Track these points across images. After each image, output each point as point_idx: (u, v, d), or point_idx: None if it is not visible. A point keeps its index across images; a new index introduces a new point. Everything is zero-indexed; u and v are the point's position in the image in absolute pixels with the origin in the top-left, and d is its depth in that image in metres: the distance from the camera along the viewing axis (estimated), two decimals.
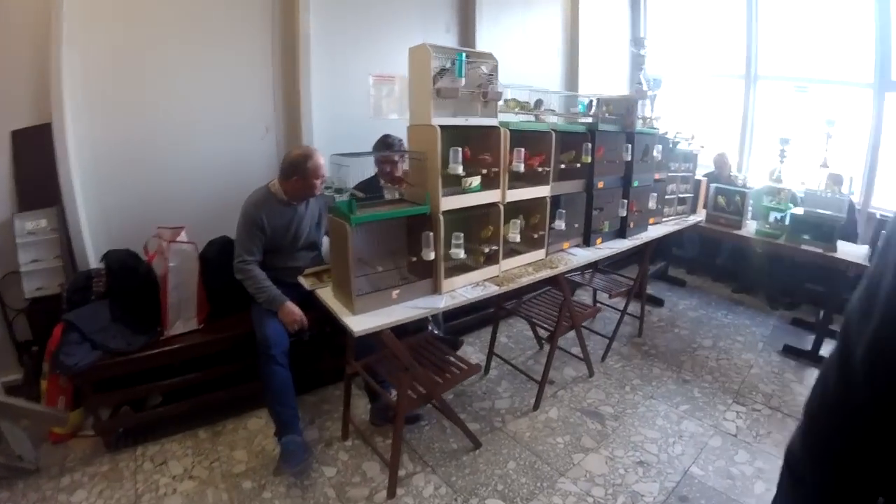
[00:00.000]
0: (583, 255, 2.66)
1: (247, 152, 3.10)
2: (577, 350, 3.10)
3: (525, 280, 2.26)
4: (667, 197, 3.50)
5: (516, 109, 2.39)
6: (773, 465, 2.36)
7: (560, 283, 2.63)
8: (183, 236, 2.53)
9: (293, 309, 2.33)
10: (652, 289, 4.20)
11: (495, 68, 2.09)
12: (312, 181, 2.39)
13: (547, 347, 3.35)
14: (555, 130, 2.39)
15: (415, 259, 2.02)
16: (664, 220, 3.51)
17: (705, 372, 3.19)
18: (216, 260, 2.63)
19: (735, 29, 4.97)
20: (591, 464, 2.35)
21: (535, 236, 2.46)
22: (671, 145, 3.46)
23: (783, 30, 4.72)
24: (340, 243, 1.86)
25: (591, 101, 2.76)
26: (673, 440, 2.53)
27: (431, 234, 1.92)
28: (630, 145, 2.83)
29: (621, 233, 3.01)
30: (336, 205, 1.87)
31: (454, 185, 2.07)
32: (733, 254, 4.53)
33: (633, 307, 3.54)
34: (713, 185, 3.91)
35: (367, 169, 2.94)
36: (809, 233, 3.30)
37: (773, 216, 3.53)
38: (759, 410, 2.79)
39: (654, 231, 3.26)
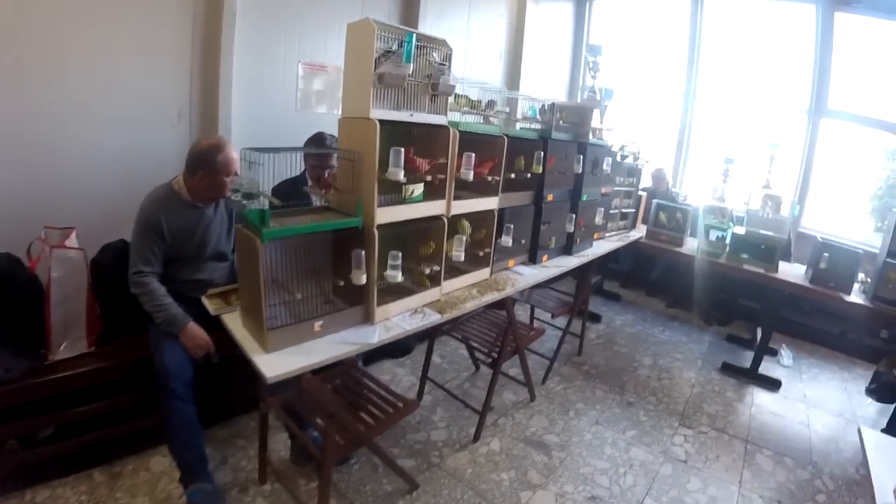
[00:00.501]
0: (529, 274, 2.45)
1: (155, 141, 2.63)
2: (515, 371, 2.91)
3: (470, 305, 2.00)
4: (610, 212, 3.40)
5: (465, 108, 2.13)
6: (725, 492, 2.29)
7: (506, 306, 2.41)
8: (73, 239, 2.05)
9: (197, 332, 1.94)
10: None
11: (448, 57, 1.80)
12: (222, 179, 2.01)
13: (484, 369, 3.14)
14: (506, 135, 2.16)
15: (342, 283, 1.69)
16: (607, 235, 3.41)
17: (648, 393, 3.10)
18: (111, 268, 2.16)
19: (677, 47, 5.05)
20: (540, 503, 2.14)
21: (481, 254, 2.21)
22: (619, 158, 3.37)
23: (726, 52, 4.84)
24: (249, 263, 1.50)
25: (543, 106, 2.56)
26: (623, 470, 2.38)
27: (363, 252, 1.61)
28: (582, 156, 2.67)
29: (567, 249, 2.87)
30: (245, 214, 1.52)
31: (392, 192, 1.76)
32: (668, 269, 4.55)
33: (572, 324, 3.39)
34: (655, 201, 3.86)
35: (288, 171, 2.59)
36: (750, 252, 3.29)
37: (714, 234, 3.50)
38: (705, 433, 2.73)
39: (599, 247, 3.14)
